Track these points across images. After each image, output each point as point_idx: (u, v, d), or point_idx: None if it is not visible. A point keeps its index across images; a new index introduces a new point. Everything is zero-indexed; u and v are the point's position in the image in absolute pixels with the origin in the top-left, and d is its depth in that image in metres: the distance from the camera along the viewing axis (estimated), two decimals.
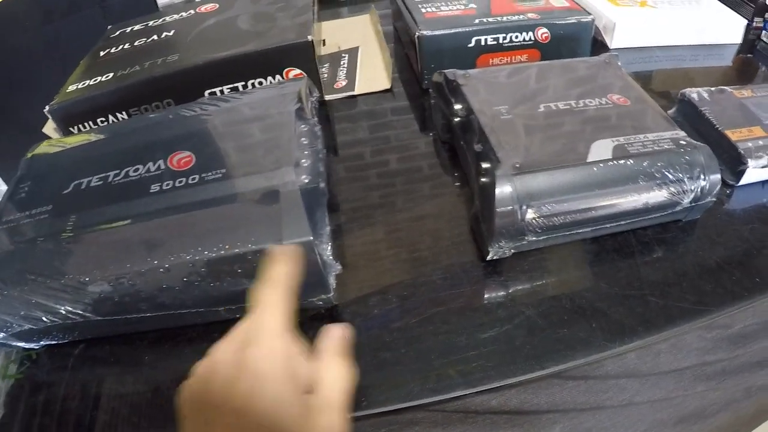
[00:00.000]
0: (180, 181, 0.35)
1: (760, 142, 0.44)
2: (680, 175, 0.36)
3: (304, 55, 0.47)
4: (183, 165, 0.37)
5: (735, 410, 0.41)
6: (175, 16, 0.56)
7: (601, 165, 0.35)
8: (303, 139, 0.39)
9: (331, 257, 0.33)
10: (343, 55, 0.58)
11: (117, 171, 0.37)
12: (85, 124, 0.48)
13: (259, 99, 0.41)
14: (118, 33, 0.56)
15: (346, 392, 0.25)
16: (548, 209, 0.34)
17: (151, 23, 0.56)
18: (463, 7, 0.53)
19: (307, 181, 0.35)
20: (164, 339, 0.35)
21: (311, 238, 0.30)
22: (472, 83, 0.43)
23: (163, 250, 0.31)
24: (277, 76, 0.48)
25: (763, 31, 0.65)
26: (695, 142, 0.37)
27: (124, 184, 0.36)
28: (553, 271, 0.37)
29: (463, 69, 0.51)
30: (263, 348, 0.23)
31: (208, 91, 0.48)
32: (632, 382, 0.36)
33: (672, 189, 0.36)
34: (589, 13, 0.53)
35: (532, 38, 0.52)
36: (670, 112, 0.50)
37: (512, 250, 0.36)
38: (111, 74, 0.48)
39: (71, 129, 0.48)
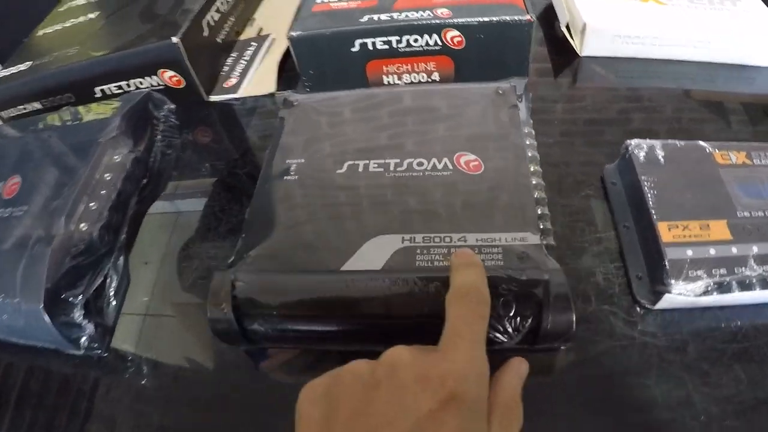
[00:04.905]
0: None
1: (711, 251, 0.27)
2: (495, 311, 0.24)
3: (172, 56, 0.44)
4: (10, 192, 0.39)
5: None
6: None
7: (360, 278, 0.25)
8: (107, 175, 0.38)
9: (81, 318, 0.33)
10: (252, 44, 0.51)
11: None
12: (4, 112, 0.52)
13: (88, 124, 0.40)
14: (64, 8, 0.58)
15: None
16: (273, 322, 0.27)
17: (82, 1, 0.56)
18: None
19: (84, 229, 0.35)
20: None
21: (41, 306, 0.31)
22: (295, 115, 0.36)
23: None
24: (151, 78, 0.46)
25: None
26: (548, 259, 0.25)
27: None
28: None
29: (351, 77, 0.44)
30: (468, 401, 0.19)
31: (98, 88, 0.48)
32: None
33: None
34: (527, 12, 0.40)
35: (439, 42, 0.41)
36: (609, 167, 0.36)
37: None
38: (30, 63, 0.51)
39: None
